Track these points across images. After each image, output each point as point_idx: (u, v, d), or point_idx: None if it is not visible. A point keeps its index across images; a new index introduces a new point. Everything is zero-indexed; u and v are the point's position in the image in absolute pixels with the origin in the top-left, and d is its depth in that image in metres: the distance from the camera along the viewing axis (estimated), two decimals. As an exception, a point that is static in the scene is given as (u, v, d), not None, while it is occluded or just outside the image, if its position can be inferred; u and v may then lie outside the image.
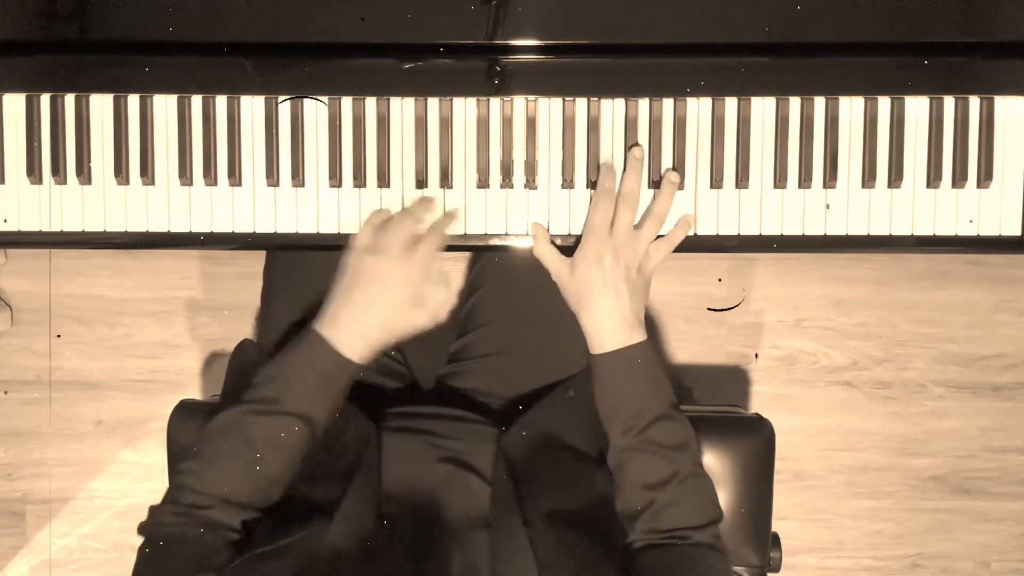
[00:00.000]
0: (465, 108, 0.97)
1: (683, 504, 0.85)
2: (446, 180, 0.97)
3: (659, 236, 0.94)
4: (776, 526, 1.15)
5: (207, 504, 0.83)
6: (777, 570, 1.15)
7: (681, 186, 0.96)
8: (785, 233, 0.97)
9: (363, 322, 0.89)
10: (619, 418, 0.88)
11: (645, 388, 0.89)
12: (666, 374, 0.91)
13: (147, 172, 0.97)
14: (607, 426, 0.90)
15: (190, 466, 0.86)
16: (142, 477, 1.74)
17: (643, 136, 0.96)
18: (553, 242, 0.96)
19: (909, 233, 0.97)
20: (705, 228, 0.97)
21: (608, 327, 0.89)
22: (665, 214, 0.94)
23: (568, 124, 0.96)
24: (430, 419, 1.03)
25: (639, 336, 0.90)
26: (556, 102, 0.96)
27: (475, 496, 0.92)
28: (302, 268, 1.09)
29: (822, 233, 0.97)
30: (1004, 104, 0.96)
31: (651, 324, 1.74)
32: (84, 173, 0.97)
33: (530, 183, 0.97)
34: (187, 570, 0.79)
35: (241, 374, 1.00)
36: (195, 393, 1.73)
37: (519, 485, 0.91)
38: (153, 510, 0.85)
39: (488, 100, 0.96)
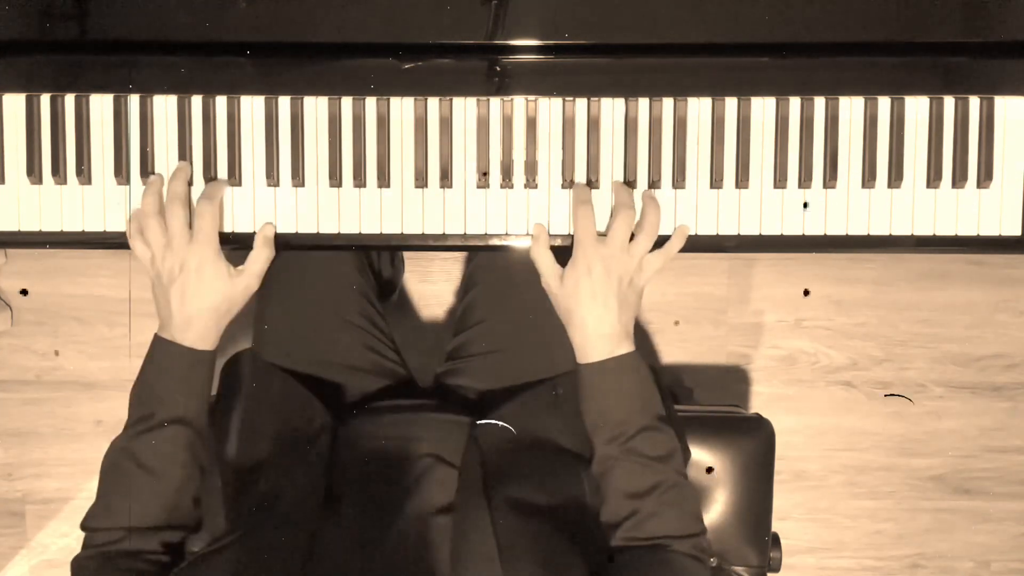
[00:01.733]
0: (465, 108, 0.97)
1: (664, 515, 0.85)
2: (446, 180, 0.97)
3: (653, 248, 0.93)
4: (776, 526, 1.15)
5: (118, 538, 0.85)
6: (777, 570, 1.15)
7: (682, 185, 0.96)
8: (785, 233, 0.97)
9: (196, 316, 0.90)
10: (604, 427, 0.88)
11: (631, 399, 0.89)
12: (654, 384, 0.91)
13: (147, 172, 0.97)
14: (592, 435, 0.89)
15: (94, 508, 0.88)
16: (142, 477, 1.73)
17: (643, 136, 0.96)
18: (552, 245, 0.95)
19: (909, 233, 0.97)
20: (705, 228, 0.97)
21: (595, 337, 0.89)
22: (657, 225, 0.93)
23: (568, 124, 0.96)
24: (406, 411, 1.03)
25: (627, 347, 0.90)
26: (556, 102, 0.96)
27: (441, 484, 0.92)
28: (299, 268, 1.09)
29: (822, 233, 0.97)
30: (1004, 104, 0.96)
31: (652, 324, 1.74)
32: (84, 173, 0.97)
33: (530, 183, 0.97)
34: None
35: (234, 387, 1.01)
36: (195, 393, 1.73)
37: (487, 471, 0.90)
38: (73, 562, 0.87)
39: (488, 100, 0.96)
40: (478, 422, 1.00)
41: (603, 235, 0.92)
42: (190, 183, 0.96)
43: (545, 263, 0.93)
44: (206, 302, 0.90)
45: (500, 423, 0.99)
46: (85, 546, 0.88)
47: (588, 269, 0.89)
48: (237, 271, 0.93)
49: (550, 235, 0.96)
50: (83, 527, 0.88)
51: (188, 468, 0.89)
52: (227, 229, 0.98)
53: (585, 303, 0.89)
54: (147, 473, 0.87)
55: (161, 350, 0.91)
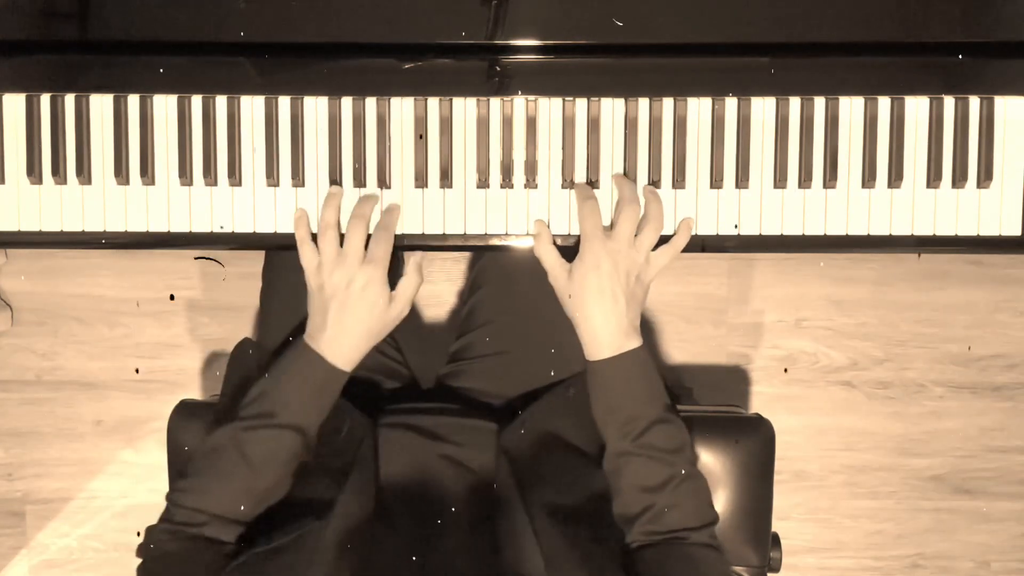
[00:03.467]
0: (465, 108, 0.97)
1: (681, 506, 0.85)
2: (446, 180, 0.97)
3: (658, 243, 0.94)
4: (776, 526, 1.15)
5: (202, 521, 0.85)
6: (777, 570, 1.15)
7: (682, 186, 0.96)
8: (785, 233, 0.97)
9: (348, 334, 0.90)
10: (615, 423, 0.88)
11: (641, 393, 0.89)
12: (661, 377, 0.91)
13: (147, 172, 0.97)
14: (603, 431, 0.90)
15: (186, 484, 0.87)
16: (142, 477, 1.73)
17: (643, 136, 0.96)
18: (555, 242, 0.95)
19: (909, 233, 0.97)
20: (705, 228, 0.97)
21: (604, 334, 0.89)
22: (662, 218, 0.93)
23: (568, 124, 0.96)
24: (428, 415, 1.03)
25: (635, 342, 0.90)
26: (556, 102, 0.96)
27: (475, 491, 0.93)
28: (301, 268, 1.09)
29: (822, 233, 0.97)
30: (1004, 104, 0.96)
31: (652, 324, 1.74)
32: (84, 173, 0.97)
33: (530, 183, 0.97)
34: None
35: (241, 373, 1.01)
36: (195, 393, 1.73)
37: (521, 480, 0.91)
38: (149, 530, 0.86)
39: (488, 100, 0.96)
40: (504, 428, 1.00)
41: (608, 230, 0.92)
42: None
43: (550, 259, 0.94)
44: (363, 323, 0.91)
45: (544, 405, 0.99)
46: (164, 519, 0.86)
47: (596, 264, 0.89)
48: (394, 296, 0.93)
49: (551, 235, 0.96)
50: (169, 499, 0.87)
51: (287, 474, 0.89)
52: (227, 229, 0.98)
53: (593, 298, 0.89)
54: (248, 467, 0.86)
55: (305, 358, 0.90)
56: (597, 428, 0.91)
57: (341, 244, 0.92)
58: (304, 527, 0.84)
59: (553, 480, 0.92)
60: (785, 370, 1.73)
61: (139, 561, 0.84)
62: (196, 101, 0.97)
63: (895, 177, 0.96)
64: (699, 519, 0.86)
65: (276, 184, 0.97)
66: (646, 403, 0.89)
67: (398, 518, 0.88)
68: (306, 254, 0.93)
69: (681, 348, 1.74)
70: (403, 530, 0.87)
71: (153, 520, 0.87)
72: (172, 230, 0.98)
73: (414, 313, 1.71)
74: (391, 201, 0.97)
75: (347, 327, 0.90)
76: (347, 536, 0.83)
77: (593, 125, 0.96)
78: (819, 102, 0.96)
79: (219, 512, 0.85)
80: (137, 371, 1.72)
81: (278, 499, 0.89)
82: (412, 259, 0.95)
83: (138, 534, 0.87)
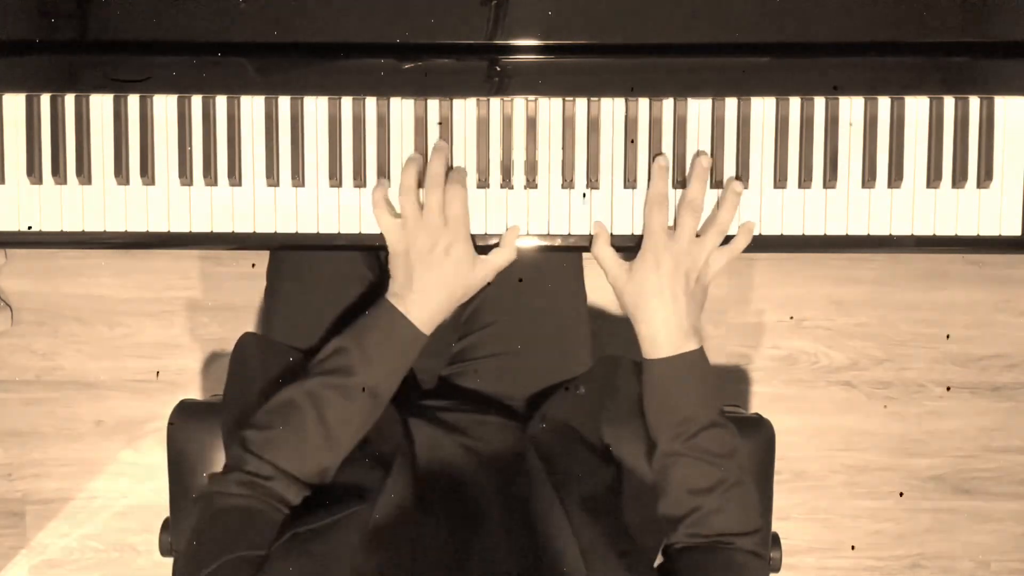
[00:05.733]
0: (465, 108, 0.97)
1: (728, 511, 0.85)
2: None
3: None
4: (776, 526, 1.15)
5: (270, 475, 0.83)
6: (777, 570, 1.15)
7: (682, 186, 0.96)
8: (785, 233, 0.97)
9: (433, 295, 0.91)
10: (669, 423, 0.88)
11: (697, 395, 0.89)
12: (717, 381, 0.91)
13: (147, 172, 0.97)
14: (654, 431, 0.89)
15: (258, 435, 0.85)
16: (142, 477, 1.73)
17: (643, 136, 0.96)
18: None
19: (909, 233, 0.97)
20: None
21: (663, 333, 0.89)
22: (729, 223, 0.93)
23: (568, 124, 0.96)
24: (448, 411, 1.04)
25: (694, 344, 0.90)
26: (556, 102, 0.96)
27: (503, 484, 0.93)
28: (305, 268, 1.09)
29: (822, 233, 0.97)
30: (1004, 104, 0.96)
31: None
32: (84, 173, 0.97)
33: (530, 183, 0.97)
34: (240, 545, 0.78)
35: (244, 368, 1.01)
36: (195, 393, 1.73)
37: (553, 472, 0.91)
38: (214, 478, 0.85)
39: (488, 100, 0.96)
40: (530, 425, 1.00)
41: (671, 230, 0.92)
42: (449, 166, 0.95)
43: (609, 259, 0.93)
44: (447, 285, 0.91)
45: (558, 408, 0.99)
46: (232, 467, 0.84)
47: (657, 264, 0.90)
48: (480, 260, 0.93)
49: (550, 235, 0.96)
50: (237, 447, 0.85)
51: (356, 439, 0.88)
52: (227, 229, 0.98)
53: (654, 298, 0.89)
54: (324, 429, 0.85)
55: (389, 317, 0.90)
56: (606, 423, 0.90)
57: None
58: (348, 510, 0.82)
59: (579, 472, 0.92)
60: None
61: (202, 507, 0.82)
62: (196, 101, 0.97)
63: (895, 177, 0.96)
64: (745, 525, 0.85)
65: (276, 184, 0.97)
66: (701, 406, 0.88)
67: (437, 508, 0.88)
68: (384, 218, 0.93)
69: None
70: (443, 521, 0.87)
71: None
72: (172, 230, 0.98)
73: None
74: (391, 201, 0.97)
75: (432, 288, 0.90)
76: (392, 522, 0.82)
77: (593, 125, 0.96)
78: (819, 102, 0.96)
79: (289, 469, 0.84)
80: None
81: (331, 476, 0.88)
82: (510, 232, 0.95)
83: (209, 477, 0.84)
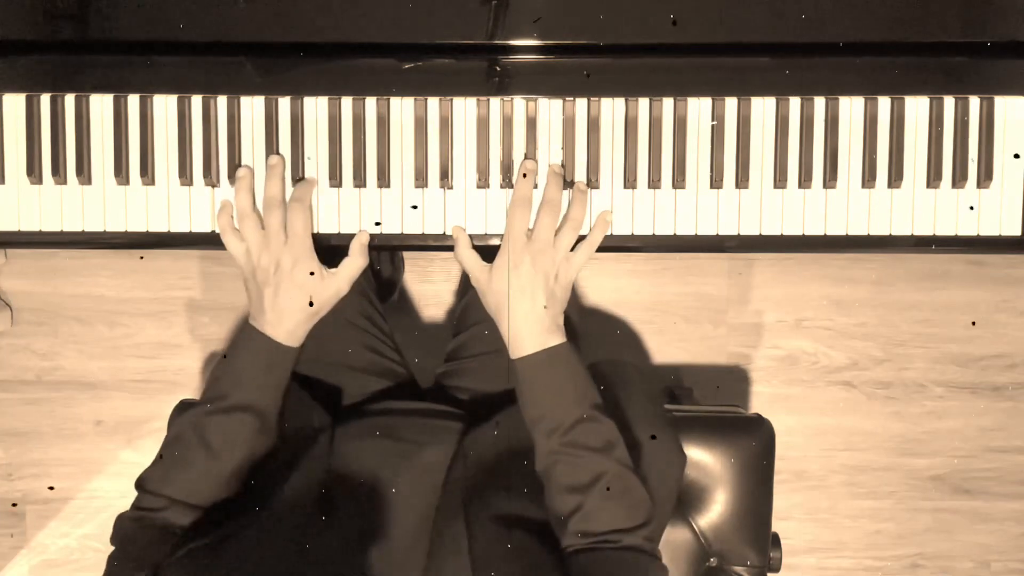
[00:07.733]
0: (465, 108, 0.97)
1: (611, 507, 0.84)
2: (446, 180, 0.97)
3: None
4: (776, 526, 1.15)
5: (162, 506, 0.87)
6: (777, 570, 1.15)
7: (682, 185, 0.97)
8: (785, 233, 0.97)
9: (286, 314, 0.91)
10: (542, 421, 0.88)
11: (566, 390, 0.89)
12: (589, 376, 0.91)
13: (147, 172, 0.97)
14: (532, 430, 0.89)
15: (151, 473, 0.90)
16: (142, 477, 1.74)
17: (643, 136, 0.96)
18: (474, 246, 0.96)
19: (909, 233, 0.97)
20: (705, 228, 0.97)
21: (525, 330, 0.90)
22: (581, 220, 0.94)
23: (568, 124, 0.96)
24: (393, 415, 1.04)
25: (557, 339, 0.90)
26: (556, 102, 0.96)
27: (424, 493, 0.92)
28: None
29: (822, 233, 0.97)
30: (1004, 104, 0.96)
31: (652, 324, 1.74)
32: (84, 173, 0.97)
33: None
34: (131, 570, 0.82)
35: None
36: (195, 393, 1.73)
37: (471, 484, 0.91)
38: (118, 517, 0.89)
39: (488, 100, 0.96)
40: (469, 432, 0.99)
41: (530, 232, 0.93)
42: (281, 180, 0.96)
43: (471, 263, 0.95)
44: (298, 302, 0.91)
45: (492, 427, 0.99)
46: (134, 506, 0.90)
47: (515, 264, 0.91)
48: (330, 273, 0.94)
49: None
50: (137, 486, 0.90)
51: (247, 458, 0.90)
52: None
53: (513, 298, 0.90)
54: (207, 451, 0.88)
55: (249, 338, 0.92)
56: (527, 427, 0.90)
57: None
58: (244, 519, 0.85)
59: (509, 486, 0.91)
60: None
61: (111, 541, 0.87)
62: (196, 101, 0.97)
63: (895, 177, 0.96)
64: (630, 520, 0.84)
65: (276, 184, 0.97)
66: (571, 400, 0.88)
67: (342, 514, 0.88)
68: (231, 243, 0.94)
69: (681, 348, 1.74)
70: (345, 525, 0.86)
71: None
72: (172, 230, 0.98)
73: (412, 313, 1.71)
74: (392, 201, 0.97)
75: (284, 308, 0.91)
76: (286, 529, 0.84)
77: (593, 125, 0.96)
78: (819, 102, 0.96)
79: (179, 497, 0.87)
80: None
81: (235, 490, 0.90)
82: (357, 240, 0.96)
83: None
